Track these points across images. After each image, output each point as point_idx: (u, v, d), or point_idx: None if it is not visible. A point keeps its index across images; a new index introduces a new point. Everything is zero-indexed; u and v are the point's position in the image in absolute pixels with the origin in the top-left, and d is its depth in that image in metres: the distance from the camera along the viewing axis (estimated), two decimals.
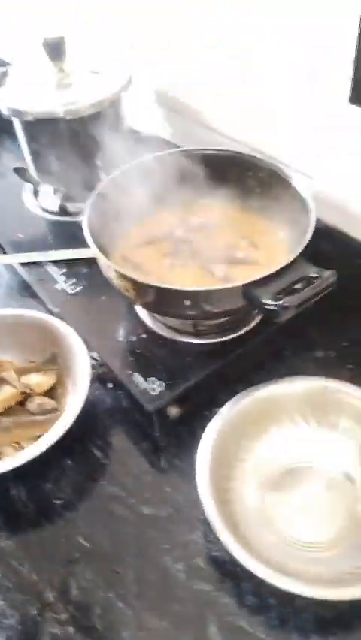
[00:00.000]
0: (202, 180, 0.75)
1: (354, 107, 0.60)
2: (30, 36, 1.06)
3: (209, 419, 0.61)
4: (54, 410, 0.67)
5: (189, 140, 0.89)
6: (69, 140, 0.81)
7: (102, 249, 0.64)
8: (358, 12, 0.54)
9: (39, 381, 0.69)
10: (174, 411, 0.64)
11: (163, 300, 0.61)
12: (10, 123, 0.84)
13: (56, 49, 0.78)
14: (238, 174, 0.74)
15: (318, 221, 0.72)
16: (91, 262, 0.76)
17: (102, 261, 0.62)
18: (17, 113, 0.78)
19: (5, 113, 0.78)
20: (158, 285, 0.58)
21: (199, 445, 0.59)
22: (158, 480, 0.64)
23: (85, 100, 0.76)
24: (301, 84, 0.66)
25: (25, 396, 0.68)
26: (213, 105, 0.81)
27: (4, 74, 0.82)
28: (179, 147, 0.90)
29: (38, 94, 0.79)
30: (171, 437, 0.67)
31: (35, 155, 0.87)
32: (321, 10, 0.59)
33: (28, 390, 0.68)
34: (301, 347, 0.75)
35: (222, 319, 0.67)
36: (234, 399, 0.62)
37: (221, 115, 0.81)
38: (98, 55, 0.85)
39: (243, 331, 0.69)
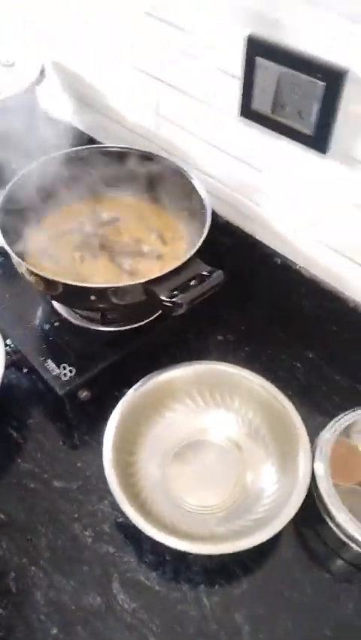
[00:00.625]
0: (112, 175, 0.80)
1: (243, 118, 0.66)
2: None
3: (119, 399, 0.68)
4: None
5: (102, 133, 0.93)
6: None
7: (14, 244, 0.67)
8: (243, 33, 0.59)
9: None
10: (83, 394, 0.70)
11: (70, 295, 0.66)
12: None
13: None
14: (146, 171, 0.79)
15: (219, 217, 0.79)
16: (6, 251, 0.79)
17: (13, 257, 0.66)
18: None
19: None
20: (64, 281, 0.63)
21: (107, 423, 0.66)
22: (70, 456, 0.71)
23: None
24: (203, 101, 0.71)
25: None
26: (124, 103, 0.85)
27: None
28: (92, 140, 0.94)
29: None
30: (82, 417, 0.73)
31: None
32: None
33: None
34: (204, 331, 0.83)
35: (129, 310, 0.72)
36: (138, 383, 0.69)
37: (130, 113, 0.85)
38: (12, 47, 0.86)
39: (149, 319, 0.76)
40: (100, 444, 0.65)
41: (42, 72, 0.83)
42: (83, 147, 0.78)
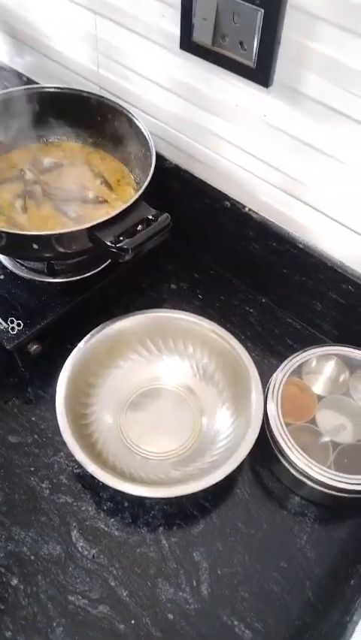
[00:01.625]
0: (52, 119, 0.76)
1: (184, 52, 0.63)
2: None
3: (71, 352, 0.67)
4: None
5: (40, 74, 0.88)
6: None
7: None
8: None
9: None
10: (33, 347, 0.69)
11: (13, 244, 0.63)
12: None
13: None
14: (88, 114, 0.75)
15: (167, 161, 0.77)
16: None
17: None
18: None
19: None
20: (5, 230, 0.60)
21: (59, 376, 0.65)
22: (24, 411, 0.70)
23: None
24: (142, 35, 0.67)
25: None
26: (62, 39, 0.80)
27: None
28: (30, 81, 0.88)
29: None
30: (35, 371, 0.72)
31: None
32: None
33: None
34: (158, 280, 0.82)
35: (75, 259, 0.70)
36: (89, 334, 0.68)
37: (68, 51, 0.80)
38: None
39: (98, 269, 0.74)
40: (53, 397, 0.64)
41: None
42: (19, 88, 0.74)
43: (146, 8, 0.64)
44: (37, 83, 0.88)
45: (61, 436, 0.61)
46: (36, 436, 0.67)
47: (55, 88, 0.75)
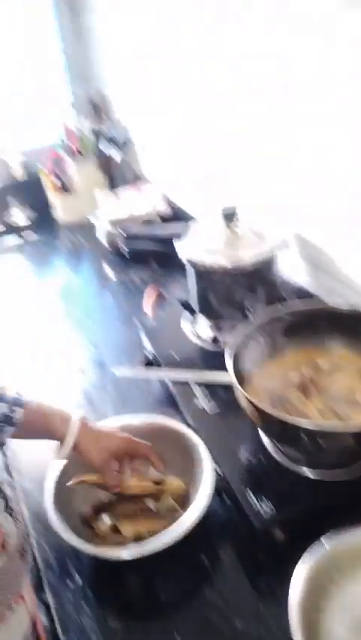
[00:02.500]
0: (336, 332, 0.86)
1: None
2: (213, 202, 1.32)
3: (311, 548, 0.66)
4: (175, 512, 0.77)
5: (329, 294, 1.02)
6: (229, 286, 0.99)
7: (240, 379, 0.76)
8: None
9: (176, 485, 0.80)
10: (278, 534, 0.70)
11: (283, 430, 0.70)
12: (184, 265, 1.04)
13: (229, 217, 0.98)
14: None
15: None
16: (228, 388, 0.88)
17: (238, 388, 0.74)
18: (192, 262, 0.98)
19: (183, 260, 0.99)
20: (278, 415, 0.67)
21: (295, 573, 0.64)
22: (254, 597, 0.69)
23: (247, 258, 0.94)
24: None
25: (159, 492, 0.79)
26: (355, 268, 0.93)
27: (188, 231, 1.04)
28: (320, 300, 1.03)
29: (211, 248, 0.98)
30: (273, 559, 0.72)
31: (199, 293, 1.05)
32: None
33: (163, 488, 0.79)
34: None
35: (336, 455, 0.73)
36: (336, 534, 0.67)
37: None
38: (263, 221, 1.03)
39: (357, 466, 0.74)
40: (286, 592, 0.63)
41: (285, 242, 0.97)
42: (313, 306, 0.87)
43: None
44: (326, 303, 1.02)
45: (286, 632, 0.58)
46: (262, 630, 0.65)
47: (346, 310, 0.85)
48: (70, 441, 0.73)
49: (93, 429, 0.76)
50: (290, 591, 0.62)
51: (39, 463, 0.92)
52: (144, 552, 0.70)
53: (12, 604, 0.72)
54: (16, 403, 0.72)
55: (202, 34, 1.17)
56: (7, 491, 0.70)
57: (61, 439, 0.74)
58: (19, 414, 0.72)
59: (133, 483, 0.78)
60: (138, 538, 0.74)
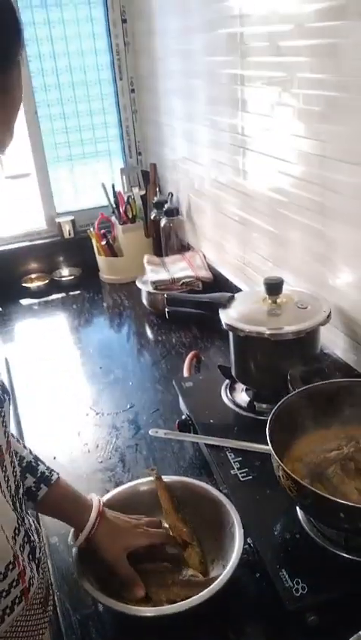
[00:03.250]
0: None
1: None
2: (257, 275, 1.35)
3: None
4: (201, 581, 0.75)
5: None
6: (269, 354, 1.00)
7: (278, 449, 0.75)
8: None
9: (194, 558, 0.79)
10: (311, 618, 0.67)
11: (320, 507, 0.68)
12: (226, 332, 1.06)
13: (273, 288, 1.00)
14: None
15: None
16: (263, 457, 0.88)
17: (275, 459, 0.73)
18: (233, 329, 1.00)
19: (225, 326, 1.01)
20: (315, 490, 0.66)
21: None
22: None
23: (288, 328, 0.96)
24: None
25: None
26: None
27: (232, 299, 1.07)
28: (359, 375, 1.02)
29: (252, 316, 1.01)
30: None
31: (238, 359, 1.07)
32: None
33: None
34: None
35: None
36: None
37: None
38: (306, 294, 1.05)
39: None
40: None
41: (329, 315, 0.99)
42: (352, 379, 0.87)
43: None
44: None
45: None
46: None
47: None
48: (85, 534, 0.75)
49: (111, 522, 0.78)
50: None
51: None
52: (164, 611, 0.69)
53: None
54: (44, 480, 0.75)
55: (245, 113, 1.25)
56: (34, 537, 0.70)
57: (77, 528, 0.76)
58: (42, 492, 0.75)
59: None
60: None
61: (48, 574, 0.76)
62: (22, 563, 0.64)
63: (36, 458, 0.78)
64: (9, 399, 0.67)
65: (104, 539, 0.75)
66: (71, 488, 0.79)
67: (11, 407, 0.69)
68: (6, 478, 0.64)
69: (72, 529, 0.78)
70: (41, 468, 0.77)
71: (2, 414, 0.64)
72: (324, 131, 1.01)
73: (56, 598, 0.79)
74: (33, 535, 0.70)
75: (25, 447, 0.78)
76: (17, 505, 0.67)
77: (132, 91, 2.01)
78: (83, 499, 0.78)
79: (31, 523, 0.72)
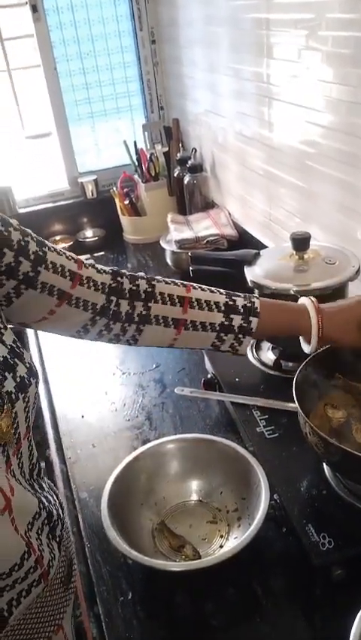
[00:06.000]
0: None
1: None
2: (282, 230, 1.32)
3: None
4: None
5: None
6: None
7: (304, 407, 0.74)
8: None
9: None
10: (338, 572, 0.68)
11: (347, 463, 0.68)
12: (252, 290, 1.04)
13: (300, 243, 0.97)
14: None
15: None
16: (290, 415, 0.87)
17: (302, 416, 0.72)
18: (258, 286, 0.98)
19: (250, 284, 0.99)
20: (342, 446, 0.65)
21: (355, 621, 0.60)
22: (308, 633, 0.67)
23: (315, 284, 0.93)
24: None
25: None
26: None
27: (257, 255, 1.04)
28: None
29: (278, 273, 0.98)
30: (329, 600, 0.69)
31: None
32: None
33: None
34: None
35: None
36: None
37: None
38: (335, 249, 1.02)
39: None
40: (343, 634, 0.60)
41: (358, 271, 0.96)
42: None
43: None
44: None
45: None
46: None
47: None
48: (315, 337, 0.77)
49: (331, 310, 0.79)
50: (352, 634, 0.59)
51: (96, 471, 0.94)
52: (191, 566, 0.70)
53: (51, 636, 0.67)
54: (251, 312, 0.77)
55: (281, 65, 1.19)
56: (56, 513, 0.67)
57: (304, 334, 0.79)
58: (254, 323, 0.77)
59: None
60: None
61: (71, 549, 0.76)
62: (39, 547, 0.62)
63: (228, 295, 0.79)
64: (36, 382, 0.61)
65: (334, 334, 0.78)
66: (276, 305, 0.80)
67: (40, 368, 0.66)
68: (20, 465, 0.61)
69: (303, 344, 0.81)
70: (239, 302, 0.78)
71: (26, 399, 0.59)
72: (355, 75, 0.96)
73: (87, 550, 0.81)
74: (55, 512, 0.67)
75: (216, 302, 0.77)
76: (36, 486, 0.65)
77: (153, 42, 1.94)
78: (295, 308, 0.80)
79: (53, 498, 0.69)
